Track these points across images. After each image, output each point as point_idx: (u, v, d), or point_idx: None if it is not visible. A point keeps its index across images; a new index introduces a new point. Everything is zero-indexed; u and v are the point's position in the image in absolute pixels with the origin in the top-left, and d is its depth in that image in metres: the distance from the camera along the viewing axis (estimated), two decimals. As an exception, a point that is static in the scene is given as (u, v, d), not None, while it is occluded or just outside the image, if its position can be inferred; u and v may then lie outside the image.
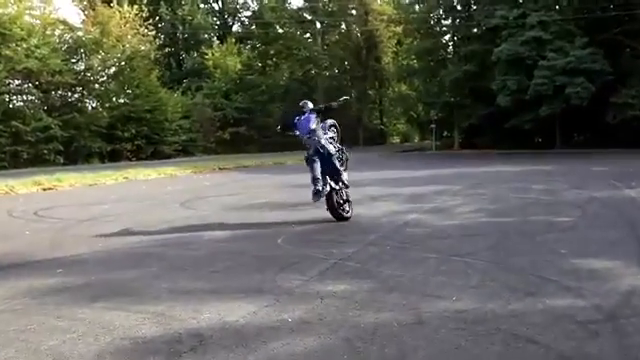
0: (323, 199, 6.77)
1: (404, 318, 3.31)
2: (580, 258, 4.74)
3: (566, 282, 4.02)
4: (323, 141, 6.75)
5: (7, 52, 21.84)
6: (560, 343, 2.94)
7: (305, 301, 3.67)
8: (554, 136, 29.91)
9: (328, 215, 6.94)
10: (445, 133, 37.89)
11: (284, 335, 3.08)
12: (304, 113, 6.91)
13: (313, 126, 6.74)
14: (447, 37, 37.74)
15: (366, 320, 3.28)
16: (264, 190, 11.39)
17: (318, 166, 6.64)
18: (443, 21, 37.25)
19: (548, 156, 23.08)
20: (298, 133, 6.92)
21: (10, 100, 23.71)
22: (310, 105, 7.01)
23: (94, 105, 27.83)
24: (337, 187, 6.95)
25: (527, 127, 28.68)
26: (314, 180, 6.59)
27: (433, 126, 33.90)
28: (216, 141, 33.45)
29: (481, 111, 30.54)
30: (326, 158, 6.72)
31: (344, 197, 7.11)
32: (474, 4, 33.96)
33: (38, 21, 24.84)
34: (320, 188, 6.55)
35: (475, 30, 34.00)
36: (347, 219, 6.98)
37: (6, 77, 22.31)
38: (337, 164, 6.94)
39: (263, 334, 3.09)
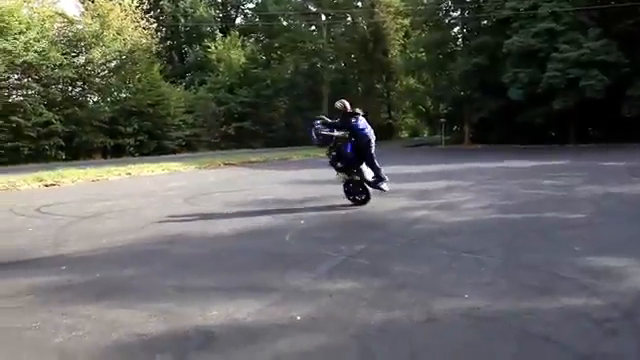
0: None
1: (415, 316, 3.26)
2: (595, 255, 4.65)
3: (581, 280, 3.94)
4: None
5: (6, 45, 21.33)
6: (576, 342, 2.87)
7: (314, 298, 3.62)
8: (568, 130, 29.40)
9: (336, 211, 6.87)
10: (455, 127, 37.29)
11: (293, 333, 3.04)
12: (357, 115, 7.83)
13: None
14: (456, 29, 37.02)
15: (376, 318, 3.23)
16: (270, 186, 11.30)
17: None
18: (452, 13, 36.32)
19: (562, 151, 22.78)
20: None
21: (10, 95, 23.12)
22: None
23: (95, 99, 27.31)
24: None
25: (540, 121, 28.18)
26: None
27: (443, 120, 33.56)
28: (220, 136, 32.96)
29: (492, 105, 30.02)
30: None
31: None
32: (484, -5, 33.44)
33: (36, 14, 24.33)
34: None
35: (485, 22, 33.36)
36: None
37: (5, 71, 21.87)
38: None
39: (271, 332, 3.05)
